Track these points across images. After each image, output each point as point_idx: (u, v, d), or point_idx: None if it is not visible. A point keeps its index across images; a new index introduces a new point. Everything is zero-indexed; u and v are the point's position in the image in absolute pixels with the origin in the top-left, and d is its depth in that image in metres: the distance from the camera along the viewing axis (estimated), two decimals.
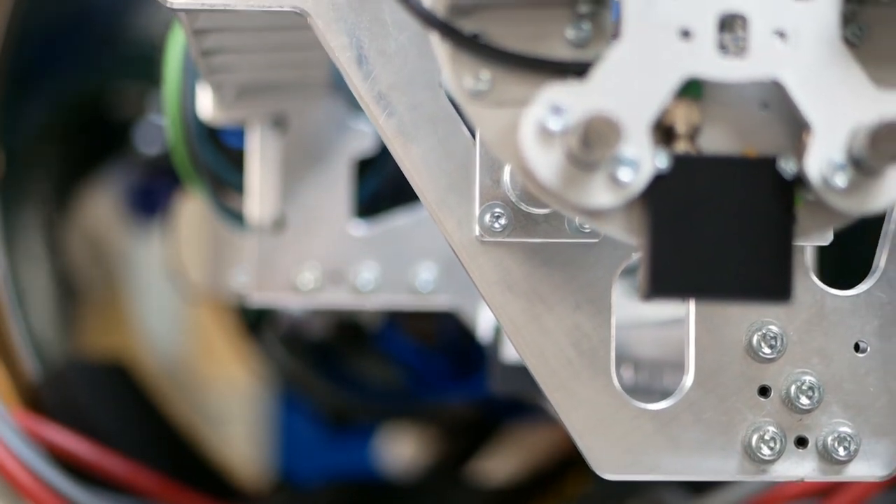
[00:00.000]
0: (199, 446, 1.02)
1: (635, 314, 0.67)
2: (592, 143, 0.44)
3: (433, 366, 1.02)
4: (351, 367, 1.07)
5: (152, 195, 1.23)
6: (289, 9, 0.54)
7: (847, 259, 0.62)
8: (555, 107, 0.45)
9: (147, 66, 1.12)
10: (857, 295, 0.55)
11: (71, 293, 1.25)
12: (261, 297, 0.77)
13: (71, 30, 1.15)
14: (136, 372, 0.98)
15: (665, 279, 0.46)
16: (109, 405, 0.89)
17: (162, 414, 0.97)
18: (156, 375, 1.28)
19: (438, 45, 0.48)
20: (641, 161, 0.45)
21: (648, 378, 0.68)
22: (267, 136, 0.75)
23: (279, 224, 0.76)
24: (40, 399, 0.87)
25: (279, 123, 0.76)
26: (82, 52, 1.17)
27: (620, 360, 0.69)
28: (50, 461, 0.76)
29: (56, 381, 0.88)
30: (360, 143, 0.77)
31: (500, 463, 1.26)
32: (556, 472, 1.03)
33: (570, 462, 0.98)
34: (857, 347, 0.55)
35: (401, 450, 1.33)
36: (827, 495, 0.71)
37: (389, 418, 1.20)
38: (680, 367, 0.56)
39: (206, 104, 0.73)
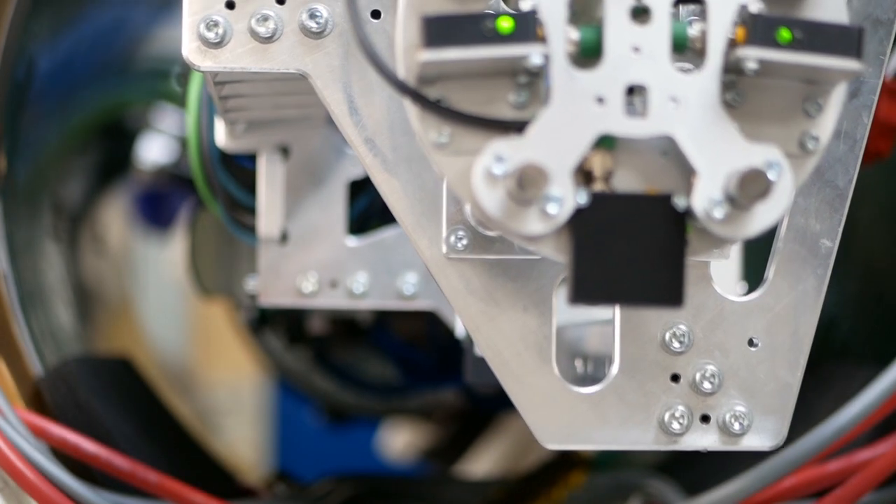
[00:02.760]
0: (201, 442, 1.03)
1: (587, 315, 0.75)
2: (525, 185, 0.55)
3: (418, 359, 1.07)
4: (347, 361, 1.13)
5: (160, 204, 1.28)
6: (293, 71, 0.64)
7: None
8: (498, 156, 0.56)
9: (156, 83, 1.20)
10: (751, 300, 0.65)
11: (85, 297, 1.28)
12: (267, 300, 0.83)
13: (86, 49, 1.19)
14: (139, 368, 0.99)
15: (585, 288, 0.57)
16: (112, 400, 0.88)
17: (165, 409, 0.98)
18: (159, 373, 1.32)
19: (409, 107, 0.58)
20: (566, 198, 0.56)
21: (594, 368, 0.75)
22: (273, 162, 0.82)
23: (284, 237, 0.83)
24: (44, 395, 0.86)
25: (284, 151, 0.83)
26: (97, 70, 1.21)
27: (575, 354, 0.78)
28: (54, 458, 0.77)
29: (59, 377, 0.86)
30: (354, 168, 0.83)
31: (501, 454, 1.30)
32: (559, 464, 1.04)
33: (572, 457, 1.01)
34: (750, 343, 0.65)
35: (398, 442, 1.37)
36: (822, 495, 0.74)
37: (386, 411, 1.23)
38: None
39: (222, 135, 0.80)
